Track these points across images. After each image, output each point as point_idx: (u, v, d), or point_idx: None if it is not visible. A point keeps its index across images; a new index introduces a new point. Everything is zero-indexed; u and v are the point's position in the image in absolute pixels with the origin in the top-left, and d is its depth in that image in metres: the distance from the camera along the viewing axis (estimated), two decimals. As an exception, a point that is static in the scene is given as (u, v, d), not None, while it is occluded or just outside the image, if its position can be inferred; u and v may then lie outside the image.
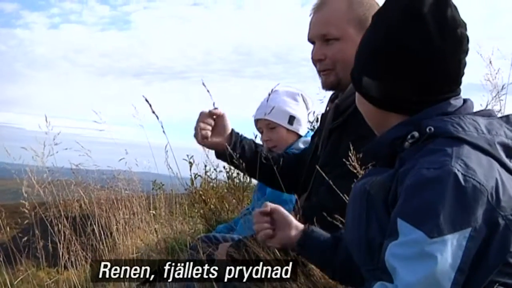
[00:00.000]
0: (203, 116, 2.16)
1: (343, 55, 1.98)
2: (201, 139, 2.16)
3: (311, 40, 2.08)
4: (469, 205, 1.15)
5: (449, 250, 1.13)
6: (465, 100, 1.37)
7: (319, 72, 2.09)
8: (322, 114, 2.24)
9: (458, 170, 1.17)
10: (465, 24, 1.33)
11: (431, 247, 1.14)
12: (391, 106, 1.38)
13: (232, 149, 2.16)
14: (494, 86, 2.62)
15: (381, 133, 1.42)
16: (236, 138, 2.21)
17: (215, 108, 2.18)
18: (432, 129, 1.28)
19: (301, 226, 1.68)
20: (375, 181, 1.35)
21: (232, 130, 2.21)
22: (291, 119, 2.88)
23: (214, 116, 2.17)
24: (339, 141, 1.89)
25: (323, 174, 1.88)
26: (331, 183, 1.80)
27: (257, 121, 2.92)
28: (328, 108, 2.19)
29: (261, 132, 2.96)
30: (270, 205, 1.68)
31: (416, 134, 1.30)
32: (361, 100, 1.46)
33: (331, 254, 1.60)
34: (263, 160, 2.18)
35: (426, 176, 1.18)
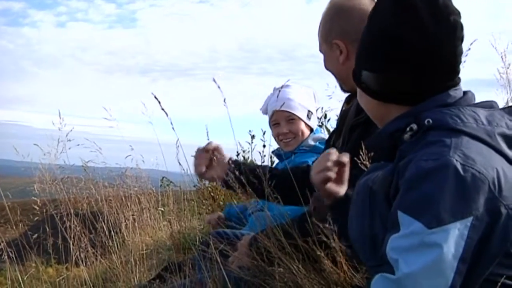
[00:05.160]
0: (198, 152, 2.26)
1: (327, 67, 2.12)
2: (199, 175, 2.28)
3: None
4: (469, 194, 1.16)
5: (451, 239, 1.14)
6: (465, 92, 1.38)
7: None
8: (340, 115, 2.26)
9: (456, 160, 1.17)
10: (458, 12, 1.33)
11: (430, 237, 1.14)
12: (390, 98, 1.38)
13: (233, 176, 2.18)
14: (507, 81, 2.62)
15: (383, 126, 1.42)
16: (233, 166, 2.23)
17: (209, 143, 2.26)
18: (431, 121, 1.28)
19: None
20: (377, 176, 1.36)
21: (230, 159, 2.27)
22: (309, 114, 2.87)
23: (210, 151, 2.25)
24: (362, 139, 1.89)
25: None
26: None
27: (273, 114, 2.89)
28: (344, 108, 2.21)
29: (276, 125, 2.91)
30: (347, 157, 1.60)
31: (414, 126, 1.30)
32: (362, 95, 1.46)
33: None
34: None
35: (425, 168, 1.19)
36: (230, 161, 2.25)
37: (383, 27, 1.35)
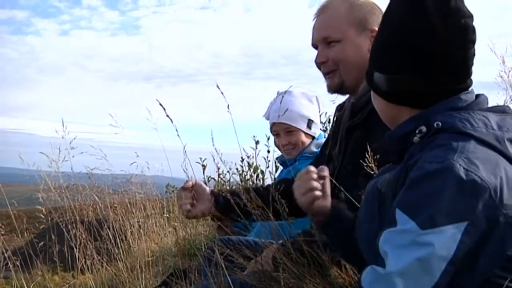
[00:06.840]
0: (180, 193, 2.24)
1: (344, 55, 2.03)
2: (186, 214, 2.24)
3: (314, 45, 2.12)
4: (468, 199, 1.16)
5: (443, 241, 1.15)
6: (477, 96, 1.38)
7: (324, 75, 2.13)
8: (334, 123, 2.25)
9: (460, 165, 1.18)
10: (471, 15, 1.34)
11: (423, 237, 1.16)
12: (400, 100, 1.40)
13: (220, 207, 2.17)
14: (508, 84, 2.61)
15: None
16: (217, 196, 2.21)
17: (186, 182, 2.23)
18: (440, 124, 1.29)
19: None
20: (386, 179, 1.37)
21: (211, 191, 2.24)
22: (310, 122, 2.85)
23: (189, 189, 2.21)
24: (364, 139, 1.87)
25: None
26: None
27: (273, 125, 2.89)
28: (336, 116, 2.21)
29: (276, 135, 2.93)
30: (326, 171, 1.62)
31: (424, 128, 1.31)
32: (374, 96, 1.48)
33: (352, 237, 1.54)
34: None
35: (427, 169, 1.20)
36: (212, 194, 2.23)
37: (393, 29, 1.37)
